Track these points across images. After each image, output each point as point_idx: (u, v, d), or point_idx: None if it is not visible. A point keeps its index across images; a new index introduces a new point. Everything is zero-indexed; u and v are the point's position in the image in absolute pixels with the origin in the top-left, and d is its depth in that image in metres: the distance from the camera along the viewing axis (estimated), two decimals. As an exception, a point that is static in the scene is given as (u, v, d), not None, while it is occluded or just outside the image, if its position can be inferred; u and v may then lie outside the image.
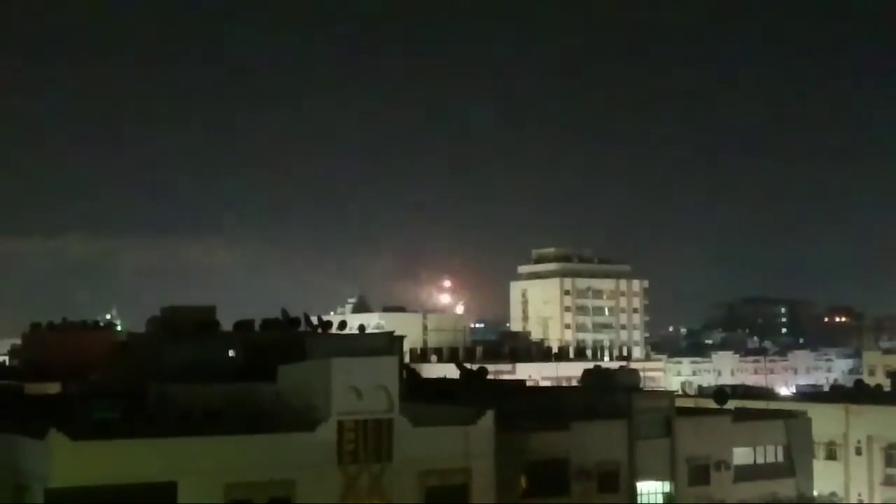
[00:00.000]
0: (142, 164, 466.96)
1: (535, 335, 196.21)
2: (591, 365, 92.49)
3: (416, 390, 54.82)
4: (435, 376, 78.72)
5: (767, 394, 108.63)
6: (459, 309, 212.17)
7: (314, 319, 68.08)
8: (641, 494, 53.41)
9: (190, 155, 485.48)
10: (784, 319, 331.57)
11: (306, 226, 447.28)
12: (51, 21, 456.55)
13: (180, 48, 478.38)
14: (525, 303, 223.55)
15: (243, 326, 68.06)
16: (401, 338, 68.45)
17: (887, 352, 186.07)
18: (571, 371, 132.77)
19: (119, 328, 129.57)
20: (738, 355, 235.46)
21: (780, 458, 59.68)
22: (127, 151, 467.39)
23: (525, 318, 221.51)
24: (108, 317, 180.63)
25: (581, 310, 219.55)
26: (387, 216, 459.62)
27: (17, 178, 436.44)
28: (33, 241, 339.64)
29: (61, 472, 38.08)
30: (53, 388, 70.46)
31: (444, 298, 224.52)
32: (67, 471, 38.07)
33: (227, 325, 68.58)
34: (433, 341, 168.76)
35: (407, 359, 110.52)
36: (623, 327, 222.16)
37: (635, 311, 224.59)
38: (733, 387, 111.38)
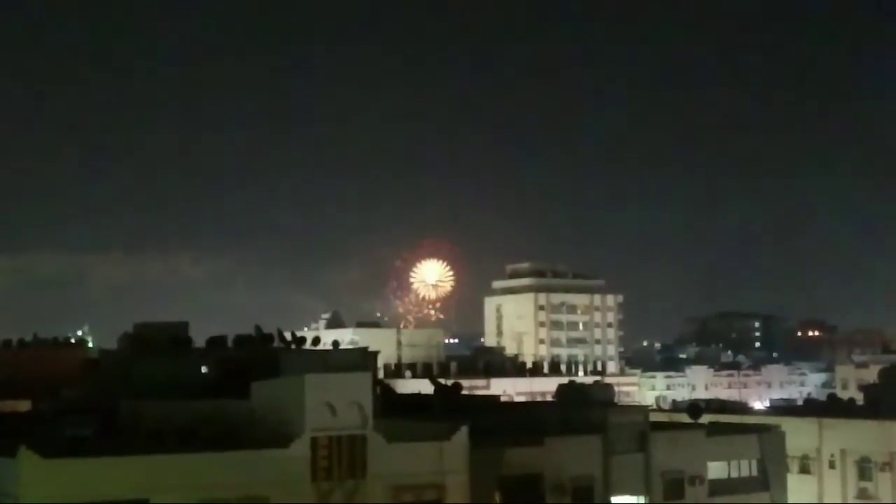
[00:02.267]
0: (108, 180, 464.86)
1: (510, 350, 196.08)
2: (565, 380, 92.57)
3: (390, 406, 54.60)
4: (409, 392, 78.39)
5: (741, 408, 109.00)
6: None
7: (288, 335, 67.84)
8: (616, 509, 53.33)
9: (157, 171, 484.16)
10: (757, 334, 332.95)
11: (275, 242, 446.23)
12: (12, 35, 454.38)
13: (150, 60, 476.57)
14: (499, 318, 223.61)
15: (216, 343, 67.69)
16: (374, 353, 68.43)
17: (860, 366, 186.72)
18: (546, 386, 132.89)
19: (91, 345, 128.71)
20: (711, 370, 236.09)
21: (755, 472, 59.77)
22: (94, 168, 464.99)
23: (499, 333, 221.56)
24: (79, 333, 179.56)
25: (555, 325, 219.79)
26: (357, 232, 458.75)
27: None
28: (1, 259, 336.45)
29: (32, 490, 37.71)
30: (24, 405, 69.84)
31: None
32: (38, 489, 37.71)
33: (197, 341, 68.18)
34: (407, 357, 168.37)
35: (381, 374, 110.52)
36: (597, 342, 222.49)
37: (609, 325, 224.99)
38: (707, 401, 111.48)
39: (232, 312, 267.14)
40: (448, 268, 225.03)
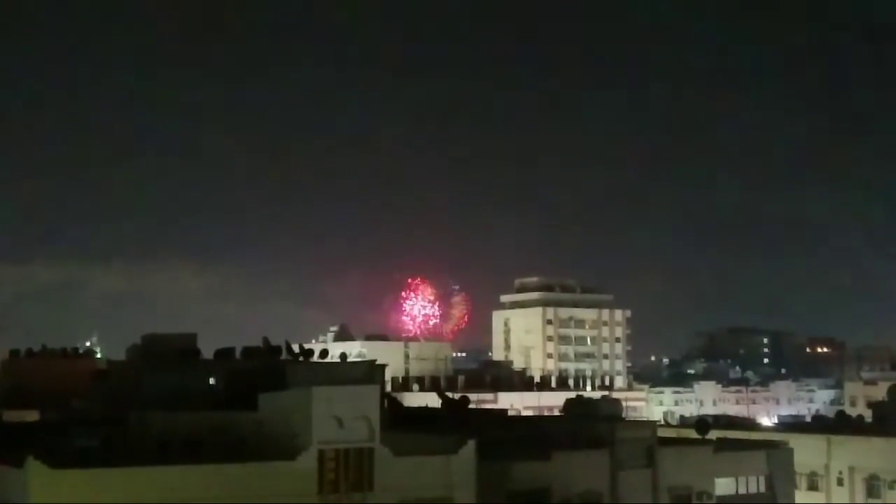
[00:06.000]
0: (109, 190, 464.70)
1: (518, 364, 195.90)
2: (573, 394, 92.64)
3: (398, 419, 54.61)
4: (417, 405, 78.43)
5: (749, 424, 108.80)
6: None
7: (295, 348, 67.91)
8: (623, 524, 53.22)
9: (159, 181, 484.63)
10: (766, 350, 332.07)
11: (278, 254, 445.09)
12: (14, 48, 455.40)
13: (148, 72, 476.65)
14: (507, 332, 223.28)
15: (224, 355, 67.77)
16: (382, 366, 68.31)
17: (868, 382, 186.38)
18: (553, 400, 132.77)
19: (99, 355, 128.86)
20: (720, 385, 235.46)
21: (762, 489, 59.66)
22: (95, 177, 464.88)
23: (507, 347, 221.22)
24: (87, 344, 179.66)
25: (563, 339, 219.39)
26: (362, 245, 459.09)
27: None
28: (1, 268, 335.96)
29: (39, 500, 37.74)
30: (32, 415, 69.91)
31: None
32: (45, 499, 37.73)
33: (204, 353, 68.23)
34: (415, 370, 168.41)
35: (388, 388, 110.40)
36: (605, 357, 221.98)
37: (617, 340, 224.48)
38: (715, 417, 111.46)
39: (234, 325, 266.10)
40: (433, 304, 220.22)
